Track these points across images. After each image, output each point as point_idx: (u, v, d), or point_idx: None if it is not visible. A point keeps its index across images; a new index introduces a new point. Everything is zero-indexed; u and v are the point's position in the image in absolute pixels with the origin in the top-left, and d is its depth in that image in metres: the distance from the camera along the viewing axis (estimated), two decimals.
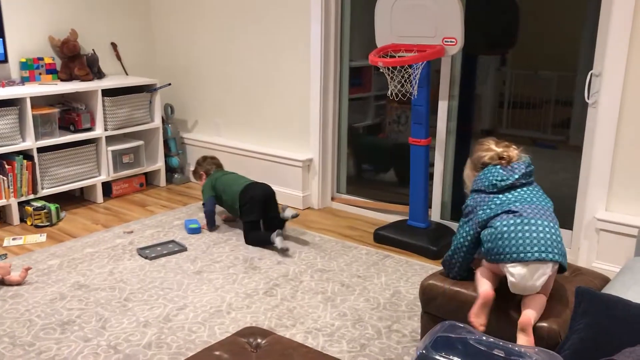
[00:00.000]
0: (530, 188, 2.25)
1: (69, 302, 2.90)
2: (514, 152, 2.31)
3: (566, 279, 2.30)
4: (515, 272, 2.07)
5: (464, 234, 2.27)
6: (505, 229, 2.11)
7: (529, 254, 2.06)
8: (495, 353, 1.58)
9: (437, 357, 1.56)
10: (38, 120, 4.00)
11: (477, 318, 2.10)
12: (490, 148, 2.33)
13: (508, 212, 2.16)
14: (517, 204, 2.17)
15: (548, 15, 3.46)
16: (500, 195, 2.22)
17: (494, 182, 2.24)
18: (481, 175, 2.30)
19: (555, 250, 2.09)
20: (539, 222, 2.12)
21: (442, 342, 1.62)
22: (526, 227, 2.10)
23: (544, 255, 2.06)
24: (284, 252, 3.48)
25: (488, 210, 2.20)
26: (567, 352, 1.69)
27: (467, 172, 2.43)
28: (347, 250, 3.56)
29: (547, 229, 2.11)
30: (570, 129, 3.50)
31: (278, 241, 3.43)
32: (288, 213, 3.62)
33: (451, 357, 1.55)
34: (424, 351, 1.59)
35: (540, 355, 1.58)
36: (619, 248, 3.03)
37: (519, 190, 2.23)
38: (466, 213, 2.30)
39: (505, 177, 2.23)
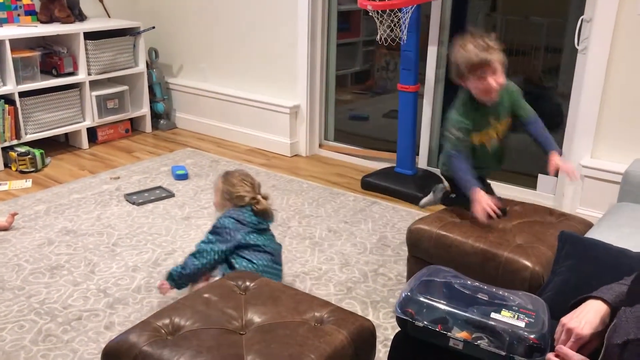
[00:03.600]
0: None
1: (57, 247, 2.91)
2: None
3: (551, 224, 2.33)
4: None
5: (219, 253, 2.32)
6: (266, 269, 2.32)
7: None
8: (479, 296, 1.61)
9: (421, 299, 1.59)
10: (19, 64, 3.90)
11: None
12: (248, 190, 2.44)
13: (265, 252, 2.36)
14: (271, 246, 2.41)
15: None
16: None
17: (255, 222, 2.40)
18: (244, 211, 2.40)
19: None
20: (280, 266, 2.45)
21: (427, 285, 1.65)
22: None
23: None
24: None
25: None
26: (550, 294, 1.74)
27: (219, 202, 2.50)
28: (335, 196, 3.58)
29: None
30: (559, 76, 3.48)
31: None
32: None
33: (435, 299, 1.58)
34: (408, 293, 1.61)
35: (523, 299, 1.62)
36: (603, 194, 3.07)
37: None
38: (220, 232, 2.36)
39: (262, 222, 2.43)
